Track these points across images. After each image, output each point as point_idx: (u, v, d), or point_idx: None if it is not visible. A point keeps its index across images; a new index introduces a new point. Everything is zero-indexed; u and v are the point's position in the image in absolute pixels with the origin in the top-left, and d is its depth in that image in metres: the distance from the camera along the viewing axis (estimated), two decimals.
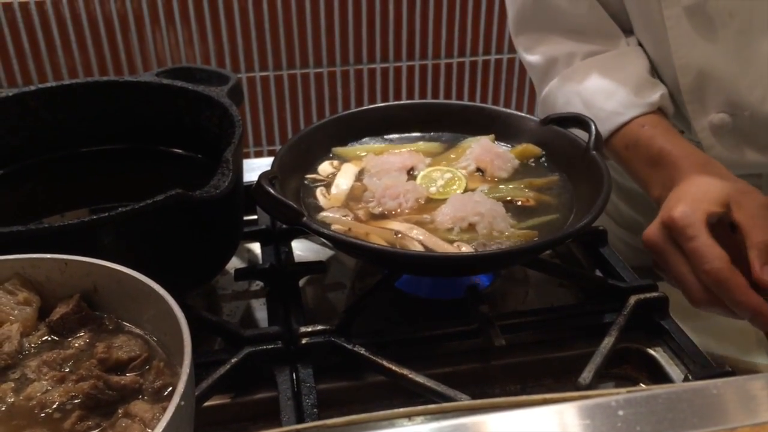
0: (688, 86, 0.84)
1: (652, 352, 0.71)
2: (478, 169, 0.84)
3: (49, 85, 0.82)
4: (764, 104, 0.82)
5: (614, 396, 0.35)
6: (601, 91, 0.88)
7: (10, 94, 0.80)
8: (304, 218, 0.69)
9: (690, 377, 0.66)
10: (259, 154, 2.18)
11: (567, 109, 0.91)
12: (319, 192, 0.81)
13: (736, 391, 0.38)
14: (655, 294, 0.74)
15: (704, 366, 0.67)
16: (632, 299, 0.73)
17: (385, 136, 0.91)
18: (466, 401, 0.58)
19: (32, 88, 0.82)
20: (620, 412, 0.34)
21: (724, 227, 0.69)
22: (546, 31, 0.95)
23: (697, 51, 0.82)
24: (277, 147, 2.14)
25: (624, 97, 0.86)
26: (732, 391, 0.37)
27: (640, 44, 0.91)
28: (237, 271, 0.80)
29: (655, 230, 0.72)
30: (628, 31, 0.93)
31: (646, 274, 0.79)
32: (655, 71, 0.90)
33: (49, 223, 0.59)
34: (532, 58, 0.97)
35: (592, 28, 0.91)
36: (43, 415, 0.46)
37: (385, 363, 0.66)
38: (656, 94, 0.86)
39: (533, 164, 0.86)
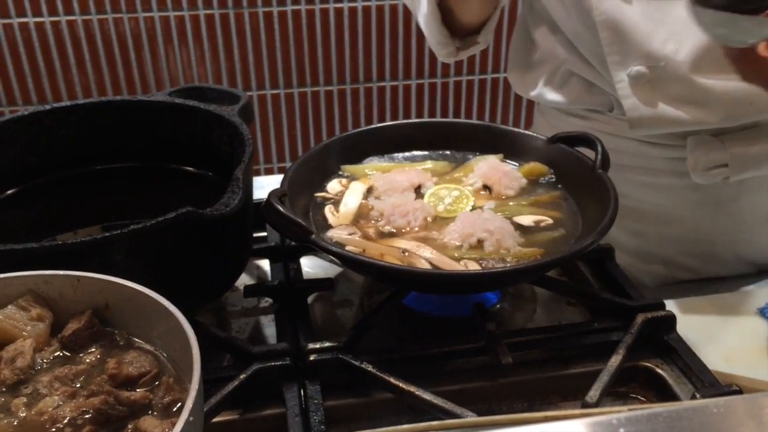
0: (607, 40, 0.89)
1: (659, 371, 0.71)
2: (485, 187, 0.85)
3: (63, 104, 0.84)
4: (677, 55, 0.87)
5: (615, 414, 0.35)
6: None
7: (26, 112, 0.82)
8: (313, 236, 0.70)
9: (698, 396, 0.66)
10: (269, 171, 2.20)
11: None
12: (328, 210, 0.82)
13: (737, 409, 0.38)
14: (662, 312, 0.74)
15: (712, 385, 0.67)
16: (640, 318, 0.73)
17: (394, 155, 0.92)
18: (468, 418, 0.58)
19: (47, 107, 0.83)
20: (621, 430, 0.35)
21: None
22: None
23: (614, 10, 0.88)
24: (287, 164, 2.16)
25: None
26: (733, 410, 0.37)
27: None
28: (246, 287, 0.81)
29: None
30: None
31: (653, 293, 0.79)
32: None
33: (62, 241, 0.60)
34: None
35: None
36: (54, 430, 0.47)
37: (392, 380, 0.66)
38: None
39: (540, 182, 0.86)
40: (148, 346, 0.54)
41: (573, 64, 0.98)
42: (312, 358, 0.68)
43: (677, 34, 0.86)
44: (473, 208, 0.81)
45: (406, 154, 0.92)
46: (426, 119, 1.76)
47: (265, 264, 0.89)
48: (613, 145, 0.98)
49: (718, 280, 1.03)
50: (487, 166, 0.86)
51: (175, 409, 0.49)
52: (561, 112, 1.06)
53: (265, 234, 0.91)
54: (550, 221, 0.79)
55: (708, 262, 1.04)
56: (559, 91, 1.02)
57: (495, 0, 0.95)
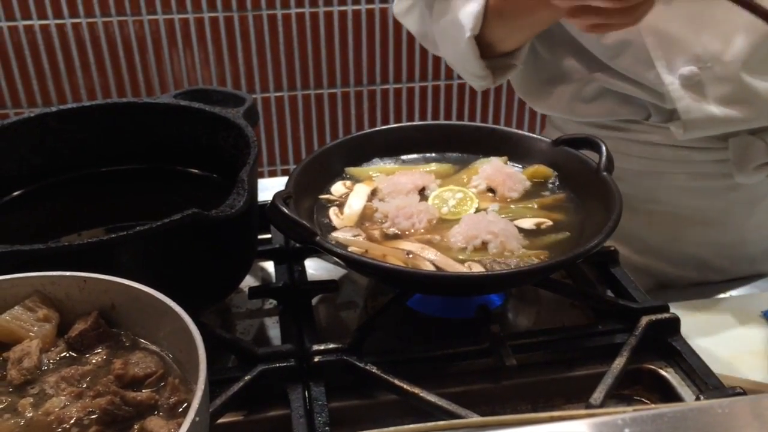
0: (652, 44, 0.89)
1: (663, 373, 0.71)
2: (490, 189, 0.85)
3: (69, 106, 0.84)
4: (724, 55, 0.87)
5: (620, 414, 0.36)
6: None
7: (32, 114, 0.82)
8: (318, 237, 0.70)
9: (702, 399, 0.66)
10: (273, 174, 2.20)
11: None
12: (332, 212, 0.82)
13: (742, 410, 0.38)
14: (666, 315, 0.74)
15: (716, 387, 0.67)
16: (644, 320, 0.73)
17: (398, 157, 0.92)
18: (475, 418, 0.58)
19: (53, 109, 0.84)
20: (626, 430, 0.35)
21: None
22: None
23: (657, 15, 0.86)
24: (291, 166, 2.17)
25: None
26: (738, 411, 0.38)
27: None
28: (251, 289, 0.81)
29: None
30: None
31: (658, 295, 0.79)
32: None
33: (69, 242, 0.60)
34: None
35: None
36: (60, 430, 0.47)
37: (396, 381, 0.66)
38: None
39: (545, 185, 0.86)
40: (153, 347, 0.54)
41: (604, 81, 0.96)
42: (316, 359, 0.68)
43: (722, 35, 0.87)
44: (477, 210, 0.81)
45: (411, 156, 0.92)
46: (430, 121, 1.77)
47: (269, 266, 0.89)
48: (649, 154, 0.99)
49: (722, 283, 1.04)
50: (491, 169, 0.86)
51: (180, 409, 0.49)
52: (590, 125, 1.03)
53: (269, 236, 0.91)
54: (550, 223, 0.80)
55: (738, 261, 1.05)
56: (589, 105, 1.00)
57: (537, 27, 0.92)
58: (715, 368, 0.70)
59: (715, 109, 0.90)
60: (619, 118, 0.99)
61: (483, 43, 0.91)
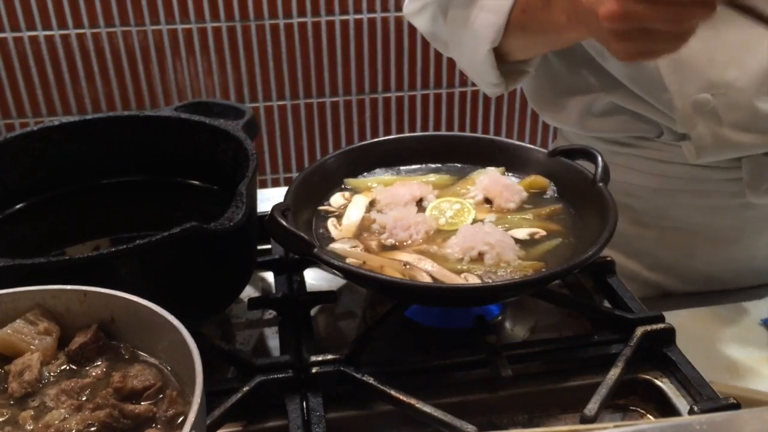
0: (666, 69, 0.88)
1: (659, 383, 0.72)
2: (487, 200, 0.86)
3: (72, 119, 0.85)
4: (738, 82, 0.86)
5: (612, 430, 0.36)
6: None
7: (35, 128, 0.83)
8: (315, 249, 0.71)
9: (696, 409, 0.66)
10: (275, 182, 2.21)
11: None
12: (331, 223, 0.83)
13: (720, 428, 0.38)
14: (662, 325, 0.75)
15: (711, 398, 0.67)
16: (639, 330, 0.74)
17: (397, 168, 0.93)
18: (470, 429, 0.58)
19: (55, 122, 0.85)
20: None
21: None
22: None
23: None
24: (293, 174, 2.18)
25: None
26: (716, 429, 0.38)
27: None
28: (250, 300, 0.82)
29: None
30: None
31: (653, 306, 0.79)
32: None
33: (70, 255, 0.61)
34: None
35: None
36: None
37: (392, 392, 0.67)
38: None
39: (541, 195, 0.87)
40: (152, 360, 0.55)
41: (618, 98, 0.95)
42: (314, 370, 0.69)
43: (735, 61, 0.86)
44: (474, 221, 0.82)
45: (409, 167, 0.93)
46: (429, 133, 1.77)
47: (269, 276, 0.90)
48: (661, 171, 0.98)
49: (723, 292, 1.04)
50: (488, 180, 0.87)
51: (179, 421, 0.50)
52: (602, 140, 1.02)
53: (269, 246, 0.92)
54: (544, 233, 0.80)
55: (745, 275, 1.05)
56: (601, 120, 1.00)
57: (560, 45, 0.91)
58: (715, 377, 0.70)
59: (728, 136, 0.89)
60: (631, 134, 0.99)
61: (499, 52, 0.90)
